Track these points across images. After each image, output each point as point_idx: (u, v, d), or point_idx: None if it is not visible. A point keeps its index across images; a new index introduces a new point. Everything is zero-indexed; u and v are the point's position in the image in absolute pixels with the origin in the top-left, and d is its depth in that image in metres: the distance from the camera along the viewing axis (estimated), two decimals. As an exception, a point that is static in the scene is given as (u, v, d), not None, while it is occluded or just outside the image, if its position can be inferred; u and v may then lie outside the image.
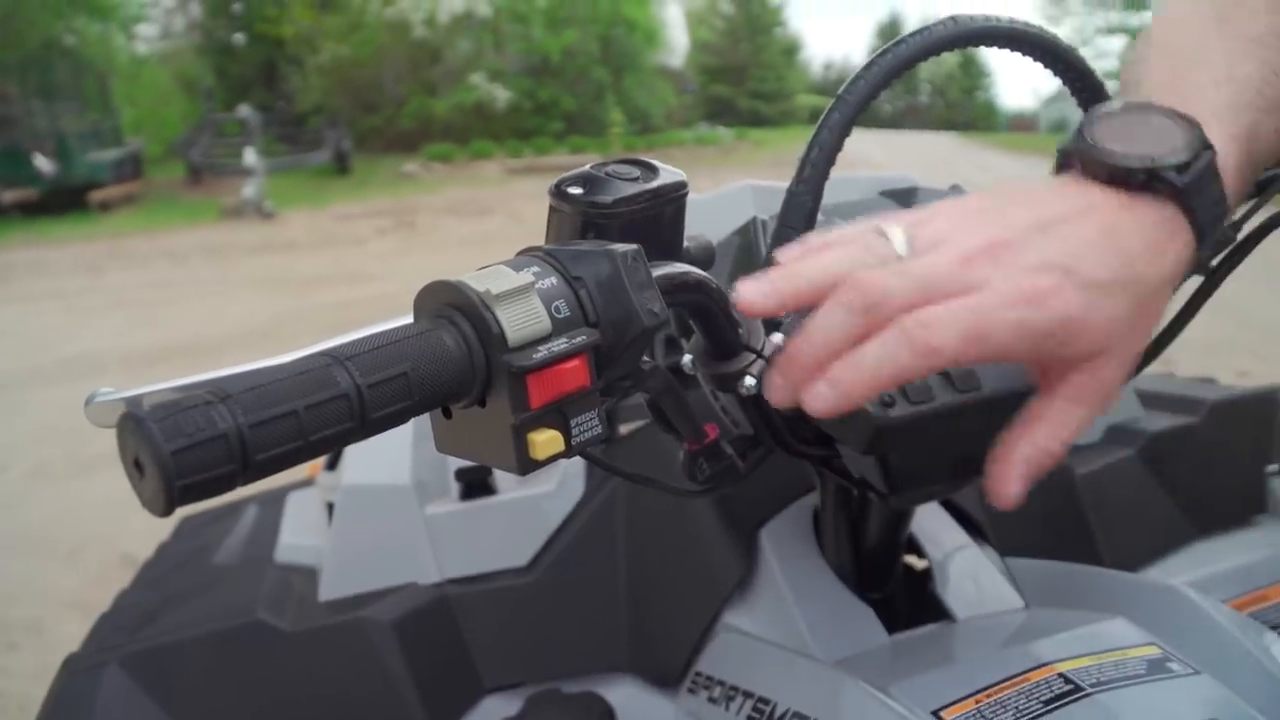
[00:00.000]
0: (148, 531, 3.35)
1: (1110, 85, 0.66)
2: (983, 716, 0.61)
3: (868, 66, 0.61)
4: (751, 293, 0.47)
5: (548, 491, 1.02)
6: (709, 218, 0.89)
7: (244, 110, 16.69)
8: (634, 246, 0.49)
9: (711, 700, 0.80)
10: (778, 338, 0.60)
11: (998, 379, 0.64)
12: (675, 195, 0.57)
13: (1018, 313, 0.43)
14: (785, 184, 0.65)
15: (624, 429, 1.06)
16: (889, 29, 63.59)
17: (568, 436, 0.46)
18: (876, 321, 0.44)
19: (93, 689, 0.89)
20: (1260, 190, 0.71)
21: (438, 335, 0.44)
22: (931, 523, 0.89)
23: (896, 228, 0.48)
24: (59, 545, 3.42)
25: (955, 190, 0.77)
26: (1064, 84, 0.66)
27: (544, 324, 0.45)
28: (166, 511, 0.37)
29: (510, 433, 0.45)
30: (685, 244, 0.62)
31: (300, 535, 1.16)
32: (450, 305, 0.45)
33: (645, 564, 0.96)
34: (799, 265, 0.48)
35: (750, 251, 0.73)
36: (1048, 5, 33.84)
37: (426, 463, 1.06)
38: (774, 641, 0.81)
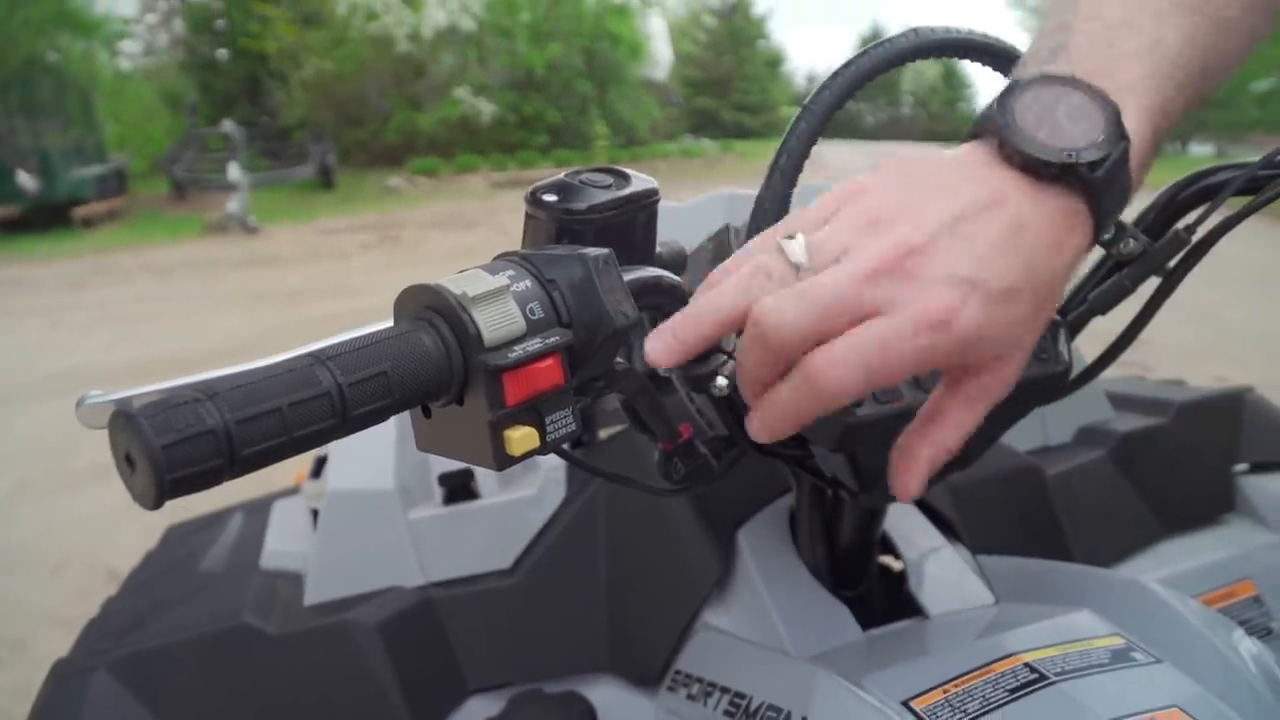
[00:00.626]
0: (132, 546, 3.35)
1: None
2: (951, 705, 0.63)
3: (833, 77, 0.63)
4: (658, 351, 0.48)
5: (529, 496, 1.03)
6: (687, 225, 0.92)
7: (228, 125, 16.66)
8: (606, 251, 0.51)
9: (690, 697, 0.82)
10: None
11: None
12: (647, 202, 0.59)
13: (923, 339, 0.43)
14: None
15: (604, 433, 1.08)
16: (870, 40, 63.80)
17: (543, 433, 0.48)
18: (785, 356, 0.44)
19: (81, 693, 0.90)
20: (1214, 194, 0.74)
21: (417, 336, 0.45)
22: (906, 524, 0.91)
23: (795, 237, 0.47)
24: (42, 562, 3.41)
25: None
26: None
27: (519, 324, 0.47)
28: (156, 504, 0.38)
29: (487, 429, 0.46)
30: (658, 249, 0.63)
31: (285, 542, 1.17)
32: (429, 307, 0.47)
33: (625, 566, 0.97)
34: (700, 306, 0.48)
35: (723, 256, 0.75)
36: (1028, 18, 34.07)
37: (410, 468, 1.07)
38: (751, 639, 0.82)
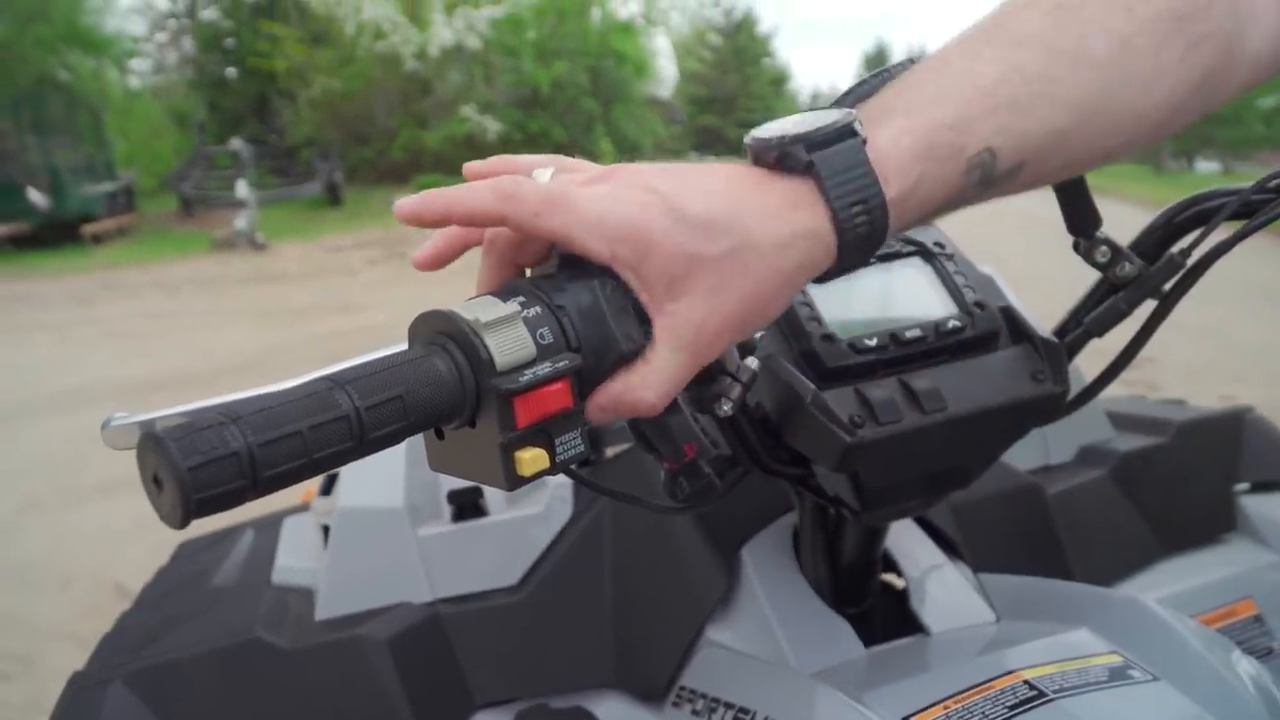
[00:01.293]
0: (139, 562, 3.36)
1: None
2: None
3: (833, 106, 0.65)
4: (404, 205, 0.55)
5: (536, 513, 1.05)
6: None
7: (236, 143, 16.78)
8: (614, 278, 0.53)
9: (695, 713, 0.83)
10: (753, 361, 0.63)
11: (963, 400, 0.67)
12: None
13: (600, 205, 0.49)
14: None
15: (610, 452, 1.09)
16: (875, 58, 64.05)
17: (552, 454, 0.50)
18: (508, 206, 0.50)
19: (98, 705, 0.92)
20: (1209, 218, 0.75)
21: (431, 361, 0.47)
22: (908, 542, 0.93)
23: (548, 170, 0.54)
24: (51, 577, 3.43)
25: None
26: None
27: (529, 350, 0.48)
28: (183, 524, 0.40)
29: (498, 451, 0.48)
30: None
31: (296, 558, 1.18)
32: (442, 333, 0.49)
33: (631, 583, 0.99)
34: (458, 190, 0.53)
35: None
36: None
37: (419, 486, 1.09)
38: (754, 655, 0.84)
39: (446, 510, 1.08)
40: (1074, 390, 0.75)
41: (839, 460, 0.66)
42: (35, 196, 14.61)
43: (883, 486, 0.73)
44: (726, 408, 0.61)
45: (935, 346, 0.69)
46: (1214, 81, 0.57)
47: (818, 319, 0.69)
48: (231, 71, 27.58)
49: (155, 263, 12.72)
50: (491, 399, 0.47)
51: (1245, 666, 0.72)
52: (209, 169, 18.53)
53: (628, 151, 23.22)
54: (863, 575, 0.86)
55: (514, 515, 1.05)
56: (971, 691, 0.67)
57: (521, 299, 0.50)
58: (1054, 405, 0.71)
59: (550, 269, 0.55)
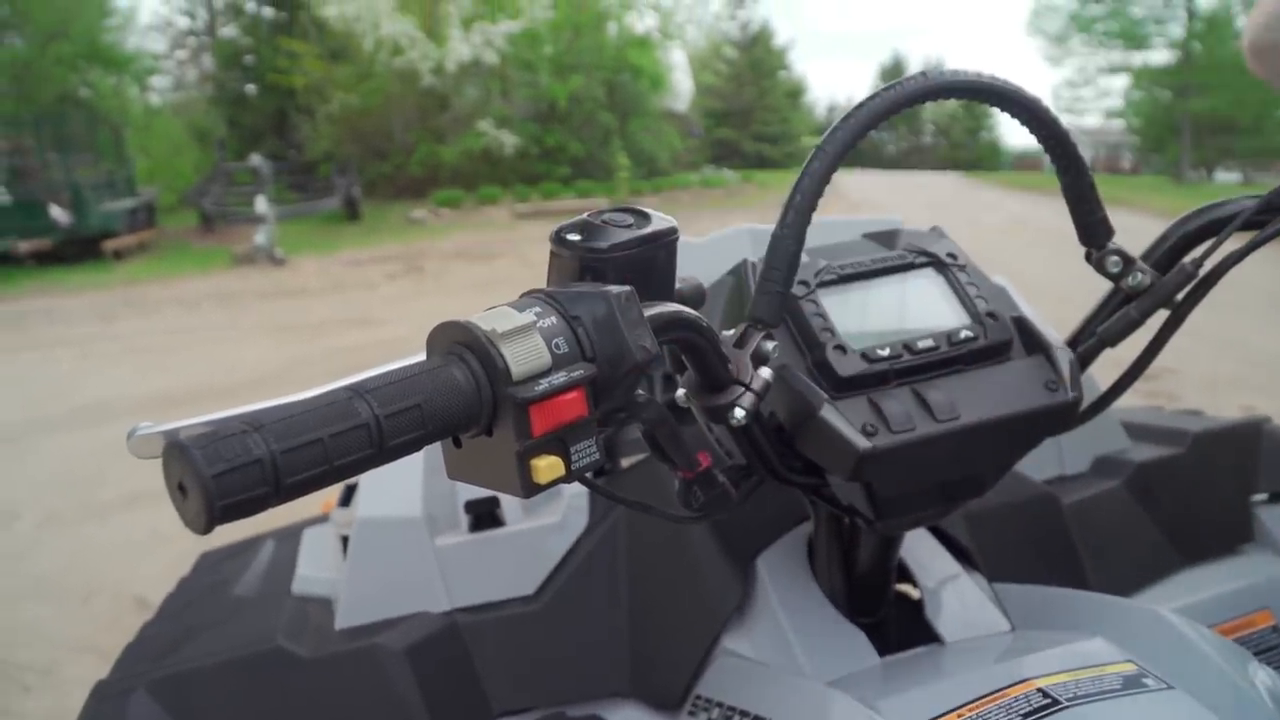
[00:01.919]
0: (158, 576, 3.39)
1: (1085, 123, 0.70)
2: None
3: (845, 119, 0.66)
4: None
5: (553, 523, 1.05)
6: (707, 260, 0.94)
7: (255, 159, 16.89)
8: (627, 288, 0.54)
9: None
10: (766, 371, 0.64)
11: (976, 409, 0.68)
12: (667, 240, 0.61)
13: None
14: None
15: (625, 462, 1.10)
16: (892, 71, 64.04)
17: (568, 462, 0.51)
18: None
19: (121, 713, 0.93)
20: (1221, 228, 0.76)
21: (448, 370, 0.48)
22: (923, 552, 0.93)
23: None
24: (72, 591, 3.45)
25: (935, 232, 0.81)
26: (1030, 132, 0.71)
27: (545, 359, 0.49)
28: (207, 529, 0.41)
29: (515, 459, 0.49)
30: (677, 285, 0.66)
31: (316, 568, 1.19)
32: (460, 343, 0.50)
33: (647, 592, 0.99)
34: None
35: (742, 291, 0.77)
36: (1049, 47, 33.99)
37: (437, 496, 1.10)
38: (770, 664, 0.84)
39: (464, 520, 1.09)
40: (1088, 400, 0.75)
41: (852, 469, 0.66)
42: (57, 213, 14.73)
43: (896, 496, 0.73)
44: (740, 416, 0.62)
45: (948, 356, 0.70)
46: None
47: (831, 329, 0.70)
48: (251, 88, 27.83)
49: (176, 278, 12.81)
50: (508, 408, 0.48)
51: (1262, 677, 0.72)
52: (229, 185, 18.67)
53: (644, 165, 23.27)
54: (878, 585, 0.86)
55: (530, 525, 1.06)
56: (986, 700, 0.67)
57: (537, 309, 0.51)
58: (1067, 415, 0.71)
59: (568, 280, 0.56)
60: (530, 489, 0.50)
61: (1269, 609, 1.06)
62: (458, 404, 0.47)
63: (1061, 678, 0.68)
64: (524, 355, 0.49)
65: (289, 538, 1.35)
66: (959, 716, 0.66)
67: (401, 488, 1.08)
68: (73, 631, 3.13)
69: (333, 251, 14.75)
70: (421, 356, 0.52)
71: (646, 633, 0.98)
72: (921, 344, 0.70)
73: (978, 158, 57.04)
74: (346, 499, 1.24)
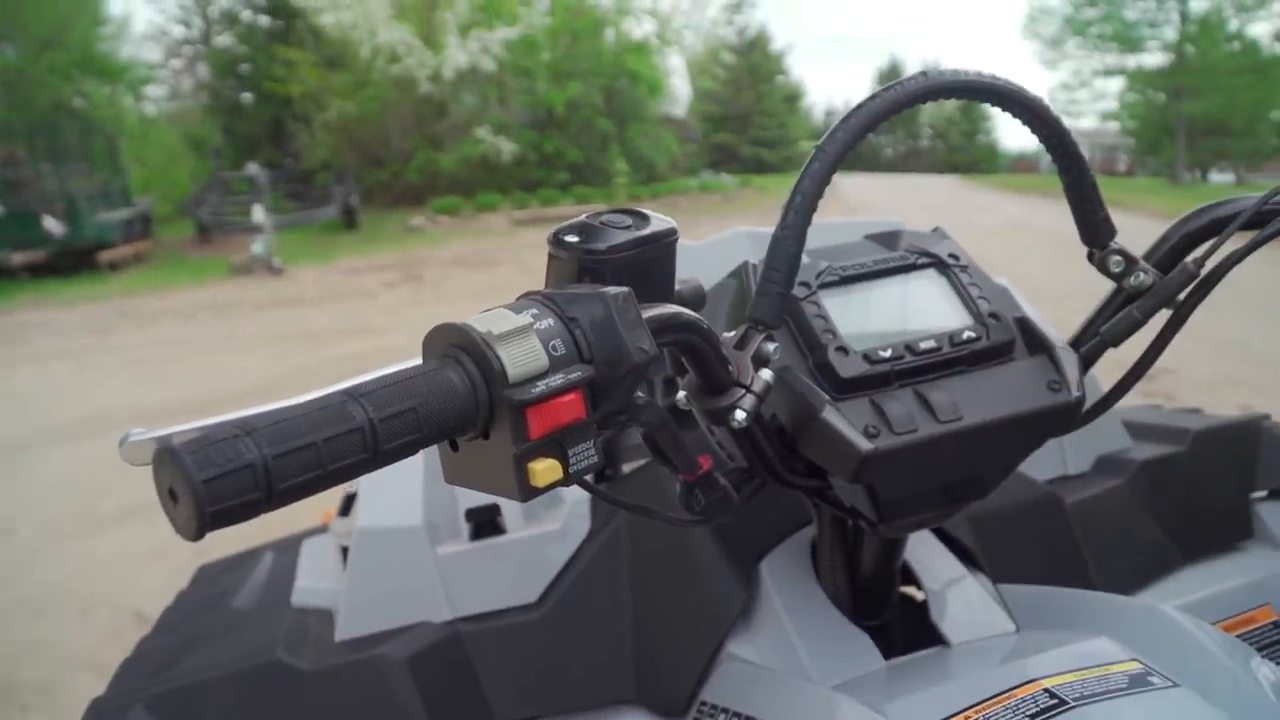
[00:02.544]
0: (157, 589, 3.37)
1: (1082, 126, 0.70)
2: None
3: (845, 120, 0.65)
4: None
5: (554, 530, 1.05)
6: (707, 263, 0.94)
7: (252, 168, 16.88)
8: (625, 289, 0.53)
9: None
10: (767, 373, 0.63)
11: (979, 410, 0.67)
12: (666, 241, 0.61)
13: None
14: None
15: (627, 467, 1.09)
16: (889, 74, 64.17)
17: (565, 465, 0.50)
18: None
19: None
20: (1222, 228, 0.75)
21: (444, 373, 0.47)
22: (927, 554, 0.92)
23: None
24: (70, 605, 3.44)
25: (938, 233, 0.81)
26: (1032, 131, 0.70)
27: (542, 361, 0.49)
28: (198, 536, 0.40)
29: (512, 462, 0.48)
30: (677, 287, 0.65)
31: (315, 579, 1.19)
32: (456, 345, 0.49)
33: (649, 598, 0.98)
34: None
35: (743, 293, 0.77)
36: (1045, 50, 34.09)
37: (437, 505, 1.09)
38: (775, 669, 0.83)
39: (465, 528, 1.08)
40: (1090, 400, 0.74)
41: (854, 471, 0.66)
42: (51, 224, 14.73)
43: (900, 497, 0.73)
44: (741, 418, 0.61)
45: (950, 357, 0.69)
46: None
47: (832, 330, 0.69)
48: (247, 96, 27.86)
49: (172, 289, 12.80)
50: (504, 410, 0.48)
51: (1265, 672, 0.71)
52: (225, 194, 18.70)
53: (642, 170, 23.30)
54: (882, 587, 0.86)
55: (532, 532, 1.05)
56: (993, 701, 0.66)
57: (534, 311, 0.51)
58: (1071, 415, 0.70)
59: (566, 282, 0.55)
60: (528, 492, 0.49)
61: (1269, 605, 1.05)
62: (454, 407, 0.47)
63: (1068, 678, 0.68)
64: (521, 357, 0.48)
65: (287, 549, 1.34)
66: (966, 718, 0.65)
67: (401, 496, 1.07)
68: (73, 647, 3.12)
69: (330, 260, 14.75)
70: (417, 359, 0.51)
71: (650, 639, 0.97)
72: (924, 345, 0.69)
73: (975, 160, 57.14)
74: (346, 509, 1.23)
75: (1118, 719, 0.63)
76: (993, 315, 0.72)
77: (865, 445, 0.64)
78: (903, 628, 0.87)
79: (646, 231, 0.60)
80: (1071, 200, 0.74)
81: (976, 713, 0.65)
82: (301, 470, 0.42)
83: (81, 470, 4.97)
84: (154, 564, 3.67)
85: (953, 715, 0.66)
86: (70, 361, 8.21)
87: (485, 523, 1.07)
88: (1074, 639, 0.74)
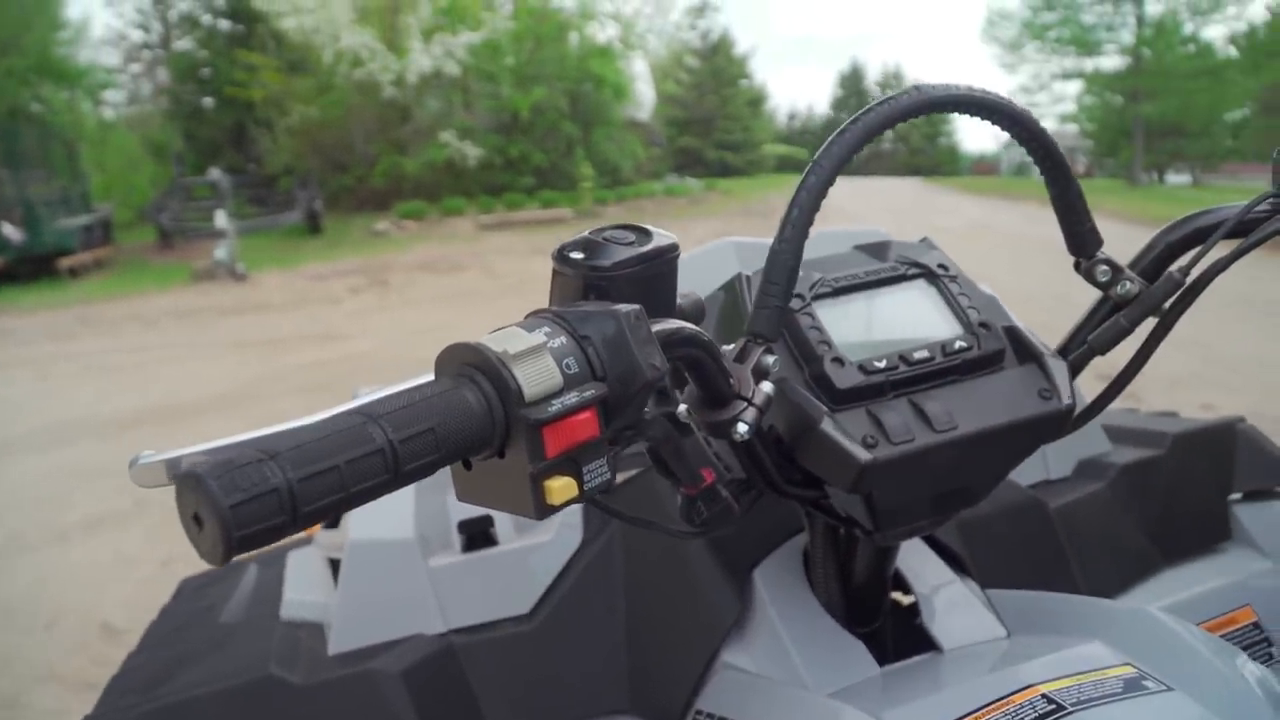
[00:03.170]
0: (125, 600, 3.33)
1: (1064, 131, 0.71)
2: None
3: (840, 133, 0.66)
4: None
5: (546, 541, 1.05)
6: (693, 274, 0.94)
7: (214, 173, 16.74)
8: (636, 306, 0.53)
9: None
10: (767, 385, 0.63)
11: (973, 419, 0.68)
12: (668, 256, 0.61)
13: None
14: (765, 240, 0.69)
15: (619, 477, 1.09)
16: (851, 78, 64.63)
17: (580, 483, 0.50)
18: None
19: None
20: (1206, 236, 0.77)
21: (460, 393, 0.47)
22: (917, 560, 0.93)
23: None
24: (36, 617, 3.39)
25: (925, 243, 0.82)
26: (1020, 144, 0.71)
27: (556, 380, 0.49)
28: (224, 560, 0.40)
29: (528, 481, 0.48)
30: (678, 301, 0.66)
31: (304, 592, 1.18)
32: (470, 365, 0.49)
33: (643, 608, 0.99)
34: None
35: (736, 306, 0.77)
36: (1004, 53, 34.47)
37: (429, 517, 1.09)
38: (770, 677, 0.84)
39: (457, 540, 1.08)
40: (1076, 407, 0.75)
41: (854, 481, 0.66)
42: (9, 231, 14.51)
43: (895, 506, 0.73)
44: (743, 431, 0.62)
45: (943, 367, 0.70)
46: None
47: (828, 342, 0.70)
48: (208, 101, 27.57)
49: (134, 295, 12.64)
50: (521, 429, 0.48)
51: (1252, 671, 0.72)
52: (187, 199, 18.51)
53: (608, 174, 23.29)
54: (874, 594, 0.86)
55: (524, 544, 1.05)
56: (991, 707, 0.67)
57: (547, 329, 0.51)
58: (1062, 422, 0.71)
59: (571, 299, 0.56)
60: (544, 510, 0.49)
61: (1249, 605, 1.07)
62: (470, 427, 0.47)
63: (1064, 683, 0.68)
64: (536, 376, 0.48)
65: (272, 562, 1.33)
66: None
67: (393, 509, 1.07)
68: (40, 659, 3.07)
69: (295, 266, 14.62)
70: (428, 376, 0.51)
71: (644, 648, 0.97)
72: (917, 355, 0.70)
73: (937, 163, 57.69)
74: (334, 521, 1.22)
75: None
76: (983, 325, 0.73)
77: (864, 456, 0.65)
78: (894, 634, 0.88)
79: (650, 247, 0.60)
80: (1058, 211, 0.76)
81: (975, 719, 0.66)
82: (326, 493, 0.42)
83: (45, 480, 4.89)
84: (120, 575, 3.62)
85: None
86: (31, 369, 8.09)
87: (477, 534, 1.07)
88: (1067, 644, 0.75)
